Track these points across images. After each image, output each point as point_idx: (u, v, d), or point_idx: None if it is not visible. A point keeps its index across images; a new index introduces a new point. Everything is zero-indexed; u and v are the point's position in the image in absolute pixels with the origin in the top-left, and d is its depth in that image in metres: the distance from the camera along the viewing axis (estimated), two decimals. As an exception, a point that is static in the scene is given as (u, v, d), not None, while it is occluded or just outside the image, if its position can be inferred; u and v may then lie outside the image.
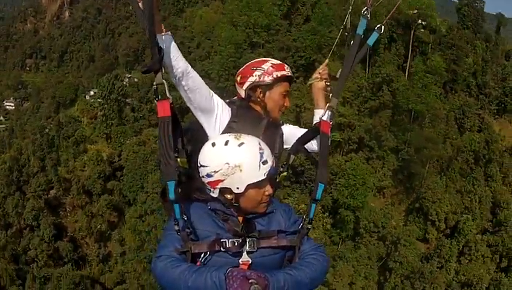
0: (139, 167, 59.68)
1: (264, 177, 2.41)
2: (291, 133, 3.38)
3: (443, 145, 53.50)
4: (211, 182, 2.45)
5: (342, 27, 3.34)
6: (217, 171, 2.41)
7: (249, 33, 63.74)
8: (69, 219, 67.49)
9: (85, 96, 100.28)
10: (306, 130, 3.37)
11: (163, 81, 2.47)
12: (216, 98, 3.00)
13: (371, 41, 3.16)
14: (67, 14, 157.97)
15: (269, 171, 2.43)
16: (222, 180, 2.42)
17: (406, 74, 58.27)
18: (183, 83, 2.71)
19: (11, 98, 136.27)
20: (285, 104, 3.20)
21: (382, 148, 54.36)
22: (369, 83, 57.13)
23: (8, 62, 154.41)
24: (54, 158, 72.79)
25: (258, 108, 3.16)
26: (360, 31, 3.05)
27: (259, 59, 3.24)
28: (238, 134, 2.54)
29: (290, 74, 3.17)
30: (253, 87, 3.13)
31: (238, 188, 2.41)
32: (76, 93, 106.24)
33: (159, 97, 2.46)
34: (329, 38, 58.23)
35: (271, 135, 3.12)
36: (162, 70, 2.47)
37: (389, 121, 54.76)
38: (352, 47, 3.04)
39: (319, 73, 3.47)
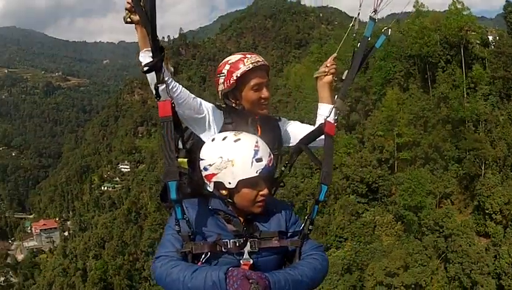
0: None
1: (256, 175, 2.66)
2: (292, 129, 3.71)
3: (500, 147, 61.72)
4: (206, 175, 2.76)
5: (351, 25, 3.56)
6: (212, 165, 2.71)
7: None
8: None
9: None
10: (307, 125, 3.77)
11: (165, 81, 2.78)
12: (205, 105, 3.32)
13: (378, 43, 3.49)
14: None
15: (262, 169, 2.67)
16: (216, 174, 2.70)
17: (464, 90, 68.12)
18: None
19: (126, 162, 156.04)
20: (262, 96, 3.34)
21: (444, 158, 65.17)
22: (429, 105, 69.29)
23: (119, 130, 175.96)
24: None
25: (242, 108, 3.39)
26: (367, 33, 3.40)
27: (223, 61, 3.39)
28: (239, 131, 2.84)
29: (252, 66, 3.26)
30: (224, 94, 3.38)
31: (230, 183, 2.67)
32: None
33: (160, 97, 2.75)
34: (394, 72, 74.16)
35: (267, 133, 3.34)
36: (163, 70, 2.77)
37: (448, 134, 65.81)
38: (359, 49, 3.40)
39: (327, 66, 3.84)
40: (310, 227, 2.94)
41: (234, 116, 3.35)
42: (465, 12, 71.91)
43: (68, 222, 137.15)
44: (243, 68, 3.24)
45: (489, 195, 58.21)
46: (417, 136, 68.27)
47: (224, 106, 3.42)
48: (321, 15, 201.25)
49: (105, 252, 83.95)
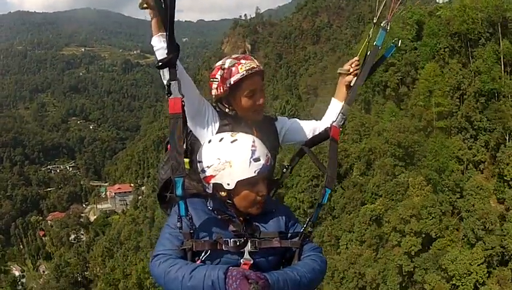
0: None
1: (254, 175, 2.82)
2: (292, 127, 3.91)
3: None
4: (205, 177, 2.93)
5: (369, 35, 3.82)
6: (210, 167, 2.88)
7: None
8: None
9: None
10: (307, 121, 4.03)
11: (178, 78, 2.90)
12: (206, 102, 3.44)
13: (387, 53, 3.83)
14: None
15: (260, 169, 2.84)
16: (214, 176, 2.87)
17: (502, 65, 75.09)
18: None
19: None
20: (256, 103, 3.43)
21: (474, 128, 72.53)
22: (467, 79, 76.30)
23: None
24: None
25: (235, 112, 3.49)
26: (378, 42, 3.68)
27: (216, 65, 3.49)
28: (235, 132, 3.01)
29: (246, 73, 3.33)
30: (217, 100, 3.52)
31: (228, 184, 2.83)
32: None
33: (171, 94, 2.89)
34: (438, 48, 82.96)
35: (264, 134, 3.46)
36: (177, 68, 2.91)
37: (481, 106, 72.73)
38: (369, 57, 3.67)
39: (351, 66, 4.02)
40: (310, 229, 3.09)
41: (229, 120, 3.47)
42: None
43: (143, 187, 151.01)
44: (236, 76, 3.32)
45: (509, 163, 66.16)
46: (453, 106, 76.92)
47: (218, 110, 3.53)
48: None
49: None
